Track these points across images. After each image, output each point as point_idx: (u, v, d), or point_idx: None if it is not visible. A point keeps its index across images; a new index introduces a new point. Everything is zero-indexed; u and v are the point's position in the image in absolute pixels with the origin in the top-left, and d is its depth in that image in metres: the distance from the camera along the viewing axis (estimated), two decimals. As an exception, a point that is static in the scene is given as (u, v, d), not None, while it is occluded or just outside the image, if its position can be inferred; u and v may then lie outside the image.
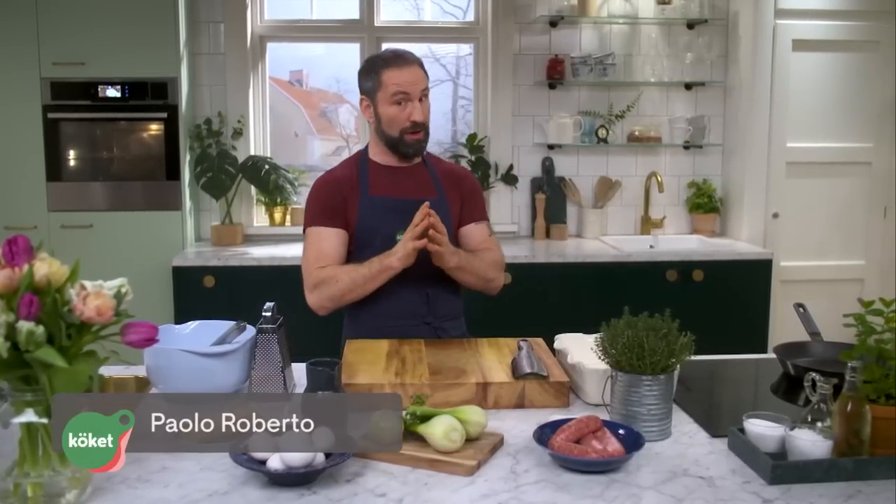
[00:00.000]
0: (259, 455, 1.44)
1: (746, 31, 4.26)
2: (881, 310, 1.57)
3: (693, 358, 1.74)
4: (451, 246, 2.19)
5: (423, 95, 2.26)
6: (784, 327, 4.05)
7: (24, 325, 1.24)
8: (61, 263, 1.33)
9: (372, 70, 2.27)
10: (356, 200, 2.29)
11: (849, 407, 1.47)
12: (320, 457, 1.44)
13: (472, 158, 4.35)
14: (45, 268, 1.30)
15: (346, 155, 4.82)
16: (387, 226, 2.24)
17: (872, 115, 4.34)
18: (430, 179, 2.36)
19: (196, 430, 1.59)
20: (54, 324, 1.29)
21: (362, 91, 2.31)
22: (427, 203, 2.10)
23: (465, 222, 2.39)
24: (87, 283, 1.32)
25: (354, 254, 2.29)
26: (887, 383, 1.51)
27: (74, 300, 1.29)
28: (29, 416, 1.30)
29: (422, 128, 2.26)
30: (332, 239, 2.28)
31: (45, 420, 1.30)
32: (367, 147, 2.40)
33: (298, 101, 5.12)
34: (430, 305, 2.31)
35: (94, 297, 1.29)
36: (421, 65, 2.28)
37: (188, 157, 4.08)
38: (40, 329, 1.25)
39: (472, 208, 2.40)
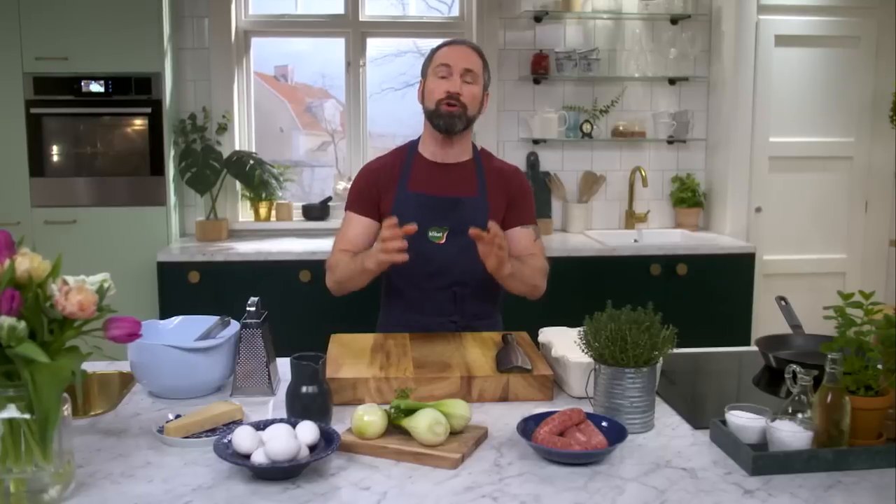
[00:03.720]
0: (243, 449, 1.44)
1: (729, 26, 4.28)
2: (860, 302, 1.59)
3: (676, 351, 1.75)
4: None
5: (469, 78, 2.26)
6: (766, 320, 4.08)
7: (6, 321, 1.23)
8: (43, 259, 1.33)
9: (430, 54, 2.34)
10: (392, 193, 2.30)
11: (829, 398, 1.48)
12: (304, 451, 1.44)
13: (458, 153, 4.35)
14: (27, 263, 1.29)
15: (331, 150, 4.83)
16: (418, 222, 2.22)
17: (853, 110, 4.38)
18: (475, 178, 2.34)
19: (180, 424, 1.60)
20: (36, 319, 1.28)
21: (421, 75, 2.36)
22: (394, 219, 2.01)
23: (512, 225, 2.34)
24: (69, 279, 1.32)
25: None
26: (866, 375, 1.53)
27: (56, 295, 1.28)
28: (11, 412, 1.29)
29: (457, 102, 2.25)
30: (358, 226, 2.32)
31: (27, 416, 1.29)
32: (420, 138, 2.40)
33: (283, 96, 5.11)
34: (458, 304, 2.31)
35: (76, 292, 1.28)
36: (477, 51, 2.31)
37: (172, 153, 4.06)
38: (22, 325, 1.24)
39: (519, 211, 2.36)
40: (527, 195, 2.40)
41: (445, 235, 2.28)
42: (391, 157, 2.41)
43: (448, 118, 2.26)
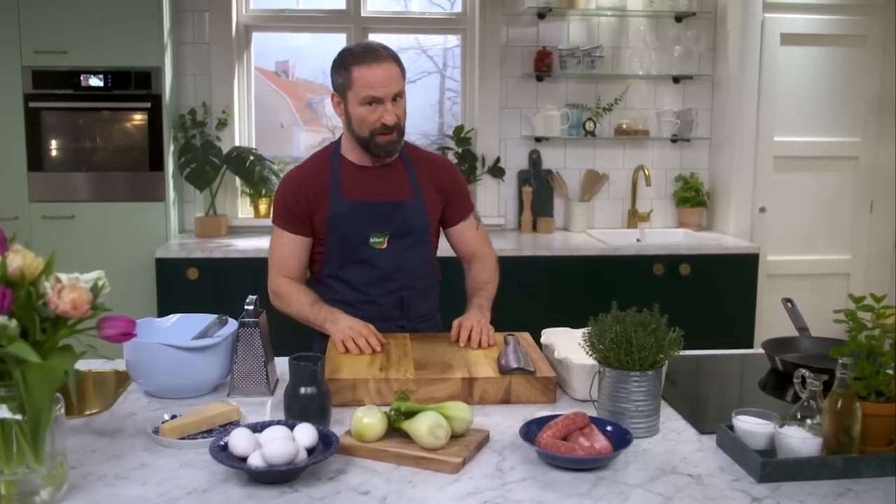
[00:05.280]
0: (240, 452, 1.41)
1: (735, 24, 4.25)
2: (871, 305, 1.56)
3: (679, 352, 1.72)
4: (479, 312, 2.18)
5: (397, 96, 2.11)
6: (770, 322, 4.05)
7: (-3, 319, 1.20)
8: (37, 255, 1.30)
9: (342, 66, 2.12)
10: (325, 203, 2.19)
11: (839, 404, 1.45)
12: (302, 454, 1.41)
13: (459, 150, 4.33)
14: (19, 260, 1.26)
15: (331, 146, 4.78)
16: (359, 229, 2.19)
17: (859, 109, 4.35)
18: (407, 179, 2.25)
19: (176, 425, 1.57)
20: (28, 318, 1.25)
21: (334, 87, 2.16)
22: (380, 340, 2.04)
23: (455, 222, 2.33)
24: (63, 276, 1.28)
25: (328, 255, 2.23)
26: (878, 380, 1.50)
27: (49, 293, 1.25)
28: (3, 412, 1.26)
29: (394, 129, 2.13)
30: (290, 245, 2.23)
31: (18, 416, 1.26)
32: (339, 141, 2.27)
33: (284, 91, 5.07)
34: (405, 309, 2.26)
35: (69, 290, 1.25)
36: (395, 60, 2.12)
37: (172, 148, 4.03)
38: (13, 323, 1.22)
39: (458, 205, 2.33)
40: (460, 187, 2.35)
41: (386, 240, 2.21)
42: (314, 164, 2.27)
43: (388, 146, 2.16)
